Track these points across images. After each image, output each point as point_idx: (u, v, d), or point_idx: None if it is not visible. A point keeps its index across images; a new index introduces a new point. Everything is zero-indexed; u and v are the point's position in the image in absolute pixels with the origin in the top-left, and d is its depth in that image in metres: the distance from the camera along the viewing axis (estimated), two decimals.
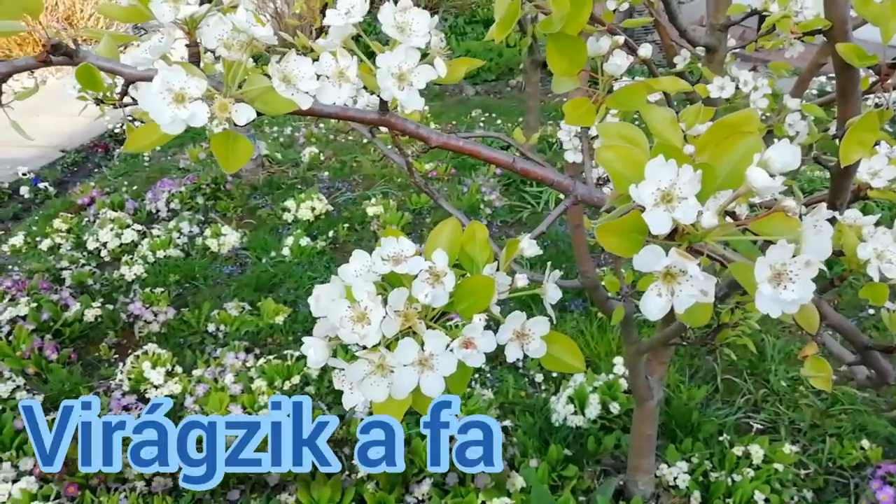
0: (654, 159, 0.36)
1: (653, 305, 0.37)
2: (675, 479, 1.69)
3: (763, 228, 0.39)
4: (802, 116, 1.03)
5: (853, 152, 0.54)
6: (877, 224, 0.63)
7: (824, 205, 0.36)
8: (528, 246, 0.50)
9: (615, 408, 1.88)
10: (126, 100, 0.57)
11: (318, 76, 0.46)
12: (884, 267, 0.57)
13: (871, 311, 2.39)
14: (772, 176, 0.36)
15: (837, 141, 0.63)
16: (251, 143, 0.43)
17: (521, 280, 0.48)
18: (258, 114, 0.46)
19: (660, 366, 1.53)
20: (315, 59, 0.46)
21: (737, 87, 1.04)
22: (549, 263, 0.48)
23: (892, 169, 0.77)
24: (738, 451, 1.74)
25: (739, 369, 2.14)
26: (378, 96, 0.47)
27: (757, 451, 1.73)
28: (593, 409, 1.88)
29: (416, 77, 0.44)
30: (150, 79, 0.44)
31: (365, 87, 0.50)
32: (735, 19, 0.94)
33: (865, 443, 1.81)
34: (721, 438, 1.82)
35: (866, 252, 0.57)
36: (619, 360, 2.05)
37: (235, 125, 0.45)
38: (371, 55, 0.47)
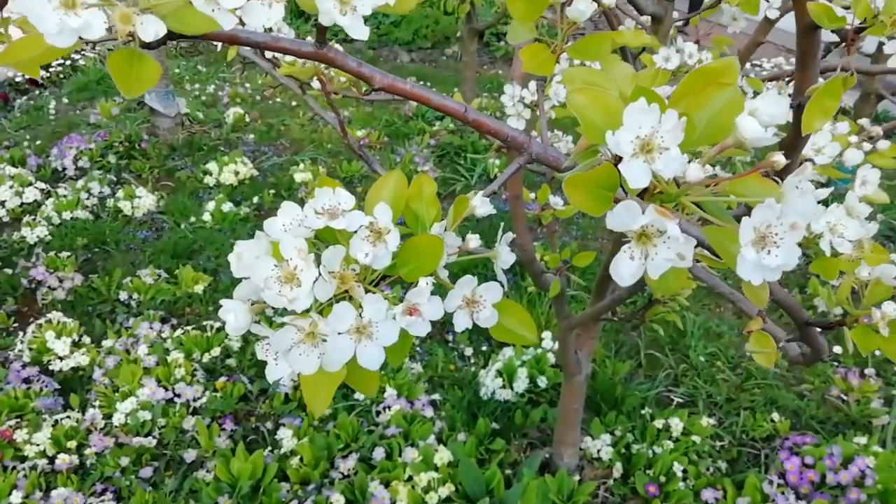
0: (634, 103, 0.32)
1: (625, 269, 0.33)
2: (598, 451, 1.72)
3: (740, 189, 0.36)
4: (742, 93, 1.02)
5: (816, 120, 0.51)
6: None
7: (809, 164, 0.32)
8: (480, 204, 0.45)
9: (542, 381, 1.89)
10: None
11: None
12: (835, 241, 0.56)
13: (796, 291, 2.49)
14: None
15: (792, 110, 0.62)
16: (159, 64, 0.36)
17: (474, 241, 0.43)
18: (172, 35, 0.39)
19: (589, 341, 1.54)
20: None
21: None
22: (476, 235, 0.43)
23: (835, 146, 0.77)
24: (658, 423, 1.79)
25: (662, 345, 2.19)
26: (315, 24, 0.41)
27: (676, 424, 1.78)
28: (521, 383, 1.88)
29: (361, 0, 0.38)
30: None
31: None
32: None
33: (776, 416, 1.90)
34: (643, 412, 1.86)
35: (820, 225, 0.56)
36: (547, 335, 2.06)
37: (143, 46, 0.38)
38: None
